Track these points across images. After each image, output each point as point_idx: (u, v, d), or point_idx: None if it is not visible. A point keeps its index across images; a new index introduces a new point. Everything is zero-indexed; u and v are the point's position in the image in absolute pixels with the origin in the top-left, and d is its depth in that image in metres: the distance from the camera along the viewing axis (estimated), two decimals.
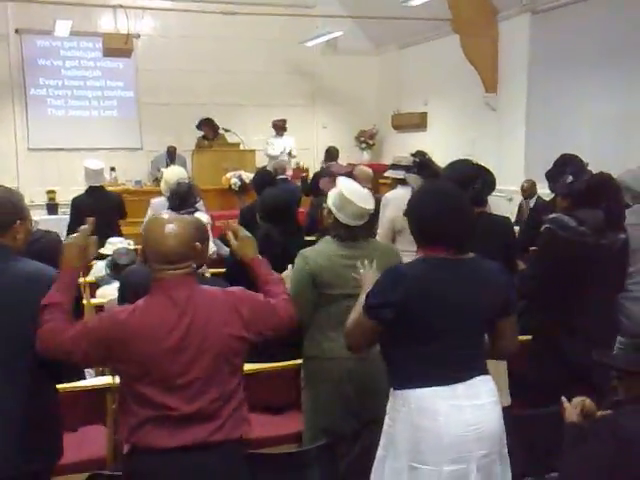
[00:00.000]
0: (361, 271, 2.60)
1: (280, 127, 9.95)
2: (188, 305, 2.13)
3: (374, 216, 3.34)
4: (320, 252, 3.06)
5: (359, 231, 3.05)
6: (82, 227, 2.35)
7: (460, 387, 2.26)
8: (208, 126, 9.64)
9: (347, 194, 3.02)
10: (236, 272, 3.88)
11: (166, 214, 2.28)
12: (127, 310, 2.15)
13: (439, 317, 2.25)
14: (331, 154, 8.66)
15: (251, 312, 2.22)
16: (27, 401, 2.24)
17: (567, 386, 2.60)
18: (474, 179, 3.28)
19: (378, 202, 4.53)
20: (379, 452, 2.37)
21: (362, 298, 2.38)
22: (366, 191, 3.14)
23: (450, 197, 2.35)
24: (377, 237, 4.16)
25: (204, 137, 9.73)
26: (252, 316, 2.22)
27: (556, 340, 3.20)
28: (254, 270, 2.45)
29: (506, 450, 2.33)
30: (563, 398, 2.40)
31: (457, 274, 2.29)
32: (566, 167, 3.83)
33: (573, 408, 2.32)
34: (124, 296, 3.41)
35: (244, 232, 2.50)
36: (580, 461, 2.13)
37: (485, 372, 2.36)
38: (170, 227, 2.14)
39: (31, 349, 2.20)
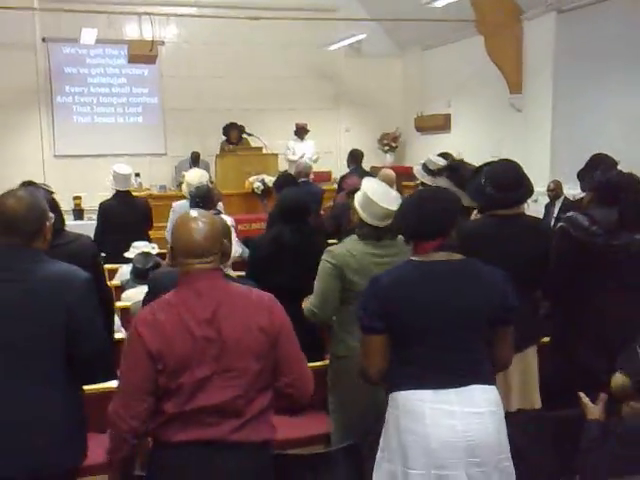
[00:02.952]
0: None
1: (303, 130, 9.96)
2: (212, 295, 2.13)
3: None
4: (348, 249, 3.09)
5: (384, 231, 3.05)
6: None
7: (453, 392, 2.23)
8: (235, 130, 9.70)
9: (371, 194, 3.04)
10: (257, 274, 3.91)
11: (194, 211, 2.29)
12: (150, 309, 2.15)
13: (418, 318, 2.25)
14: (355, 157, 8.18)
15: (278, 325, 2.18)
16: (56, 401, 2.26)
17: (579, 389, 2.55)
18: (522, 183, 3.18)
19: None
20: (378, 454, 2.36)
21: None
22: (393, 192, 3.14)
23: (425, 195, 2.50)
24: None
25: (228, 141, 9.77)
26: (276, 330, 2.18)
27: (570, 342, 3.14)
28: None
29: (508, 463, 2.26)
30: (581, 394, 2.36)
31: (439, 275, 2.30)
32: (597, 166, 3.77)
33: (595, 405, 2.29)
34: (148, 297, 3.40)
35: None
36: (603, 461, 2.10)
37: (487, 381, 2.30)
38: (198, 222, 2.17)
39: (60, 349, 2.23)
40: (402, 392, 2.25)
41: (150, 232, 6.27)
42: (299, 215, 4.10)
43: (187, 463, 2.09)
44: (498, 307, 2.31)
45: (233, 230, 5.34)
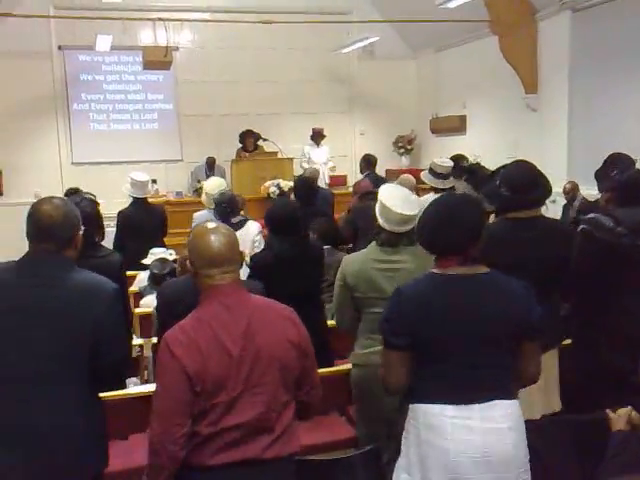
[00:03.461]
0: None
1: (319, 135, 9.95)
2: (242, 309, 2.12)
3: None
4: (357, 256, 3.13)
5: (401, 237, 3.04)
6: None
7: (475, 408, 2.21)
8: (250, 138, 9.72)
9: (385, 201, 3.04)
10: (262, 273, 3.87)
11: (210, 223, 2.28)
12: (180, 328, 2.08)
13: (441, 335, 2.21)
14: (369, 162, 7.97)
15: (304, 337, 2.22)
16: (80, 407, 2.27)
17: (604, 390, 2.53)
18: (538, 184, 3.15)
19: None
20: (399, 460, 2.36)
21: None
22: (413, 197, 3.14)
23: (445, 207, 2.36)
24: None
25: (244, 148, 9.80)
26: (304, 342, 2.21)
27: (595, 343, 3.10)
28: None
29: (526, 476, 2.24)
30: (608, 411, 2.34)
31: (463, 291, 2.25)
32: (614, 165, 3.73)
33: (619, 417, 2.27)
34: (159, 309, 3.43)
35: None
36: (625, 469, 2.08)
37: (508, 396, 2.27)
38: (216, 232, 2.17)
39: (85, 357, 2.25)
40: (423, 405, 2.24)
41: (167, 238, 6.31)
42: (286, 227, 3.88)
43: None
44: (521, 322, 2.26)
45: (261, 236, 5.36)
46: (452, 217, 2.30)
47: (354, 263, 3.08)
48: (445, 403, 2.20)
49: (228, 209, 5.10)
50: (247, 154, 9.73)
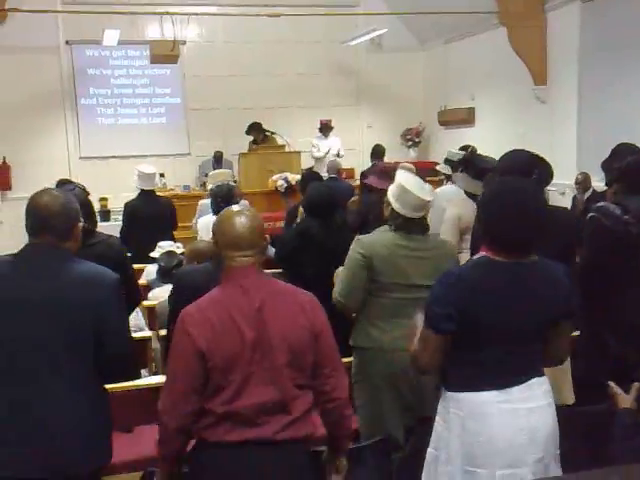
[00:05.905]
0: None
1: (327, 127, 9.94)
2: (258, 292, 2.15)
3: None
4: (377, 239, 3.08)
5: (415, 224, 3.03)
6: None
7: (515, 390, 2.21)
8: (256, 130, 9.71)
9: (405, 184, 3.05)
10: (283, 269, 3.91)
11: (237, 206, 2.34)
12: (197, 307, 2.15)
13: (493, 322, 2.18)
14: (377, 152, 8.51)
15: (319, 322, 2.20)
16: (82, 400, 2.26)
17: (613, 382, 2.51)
18: (531, 169, 3.12)
19: None
20: (430, 451, 2.34)
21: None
22: (427, 185, 3.14)
23: (522, 201, 2.21)
24: (442, 235, 3.95)
25: (254, 141, 9.78)
26: (316, 327, 2.19)
27: (602, 336, 3.07)
28: None
29: (559, 451, 2.27)
30: (612, 384, 2.33)
31: (515, 279, 2.22)
32: (616, 157, 3.69)
33: (626, 395, 2.27)
34: (178, 298, 3.40)
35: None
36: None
37: (541, 373, 2.30)
38: (241, 215, 2.21)
39: (87, 349, 2.24)
40: (467, 394, 2.22)
41: (175, 232, 6.30)
42: (326, 210, 4.10)
43: (237, 463, 2.09)
44: (563, 308, 2.27)
45: None
46: (528, 217, 2.20)
47: (381, 247, 3.02)
48: (488, 390, 2.20)
49: (221, 203, 5.09)
50: (257, 146, 9.71)
